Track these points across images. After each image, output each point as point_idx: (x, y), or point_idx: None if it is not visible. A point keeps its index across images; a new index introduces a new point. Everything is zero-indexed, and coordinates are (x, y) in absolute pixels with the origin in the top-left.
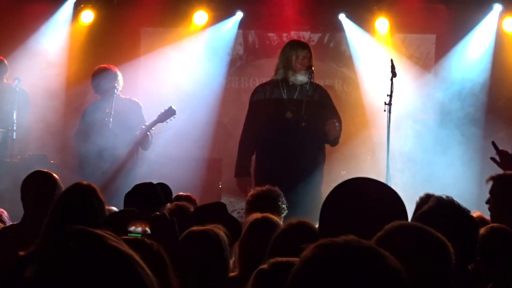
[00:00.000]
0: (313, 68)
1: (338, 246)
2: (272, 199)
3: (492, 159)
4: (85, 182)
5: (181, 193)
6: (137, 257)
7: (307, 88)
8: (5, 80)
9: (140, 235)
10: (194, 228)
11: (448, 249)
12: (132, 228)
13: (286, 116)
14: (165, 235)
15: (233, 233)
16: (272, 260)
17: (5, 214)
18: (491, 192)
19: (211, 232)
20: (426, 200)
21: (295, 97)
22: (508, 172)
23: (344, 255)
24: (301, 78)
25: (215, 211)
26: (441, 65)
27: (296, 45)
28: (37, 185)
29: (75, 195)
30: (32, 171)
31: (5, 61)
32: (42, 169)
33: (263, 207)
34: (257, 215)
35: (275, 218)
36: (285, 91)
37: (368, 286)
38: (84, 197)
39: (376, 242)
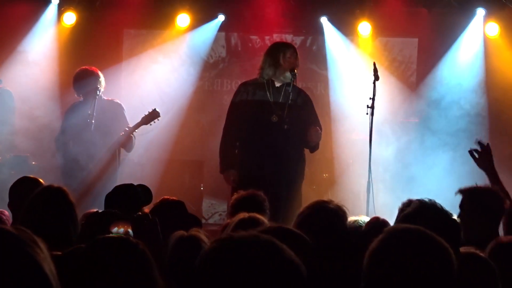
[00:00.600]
0: (296, 70)
1: (236, 239)
2: (256, 203)
3: (470, 152)
4: (55, 185)
5: (167, 197)
6: (46, 268)
7: (290, 91)
8: None
9: (122, 236)
10: (180, 233)
11: (450, 254)
12: (114, 229)
13: (271, 119)
14: (147, 236)
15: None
16: None
17: (5, 214)
18: (460, 206)
19: (200, 238)
20: (408, 205)
21: (280, 100)
22: (477, 185)
23: (241, 248)
24: (288, 76)
25: (176, 208)
26: (423, 69)
27: (282, 44)
28: (25, 191)
29: (45, 197)
30: (13, 172)
31: None
32: (29, 175)
33: (247, 211)
34: (243, 215)
35: (261, 217)
36: (271, 93)
37: (265, 278)
38: (53, 200)
39: (378, 244)
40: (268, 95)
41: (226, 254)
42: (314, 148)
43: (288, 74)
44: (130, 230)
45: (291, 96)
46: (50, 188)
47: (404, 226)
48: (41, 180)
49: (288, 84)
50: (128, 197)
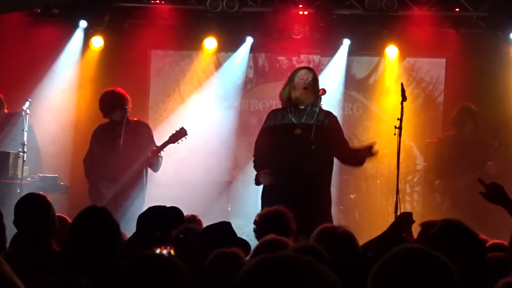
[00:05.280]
0: (321, 92)
1: (276, 259)
2: (280, 219)
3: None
4: (99, 206)
5: (186, 214)
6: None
7: (317, 112)
8: (6, 111)
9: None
10: (223, 250)
11: (452, 272)
12: (157, 252)
13: (295, 132)
14: (189, 257)
15: (245, 252)
16: None
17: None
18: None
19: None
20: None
21: (303, 121)
22: None
23: (282, 267)
24: (301, 97)
25: (222, 231)
26: (451, 90)
27: (298, 68)
28: (30, 208)
29: (91, 218)
30: (42, 192)
31: (0, 95)
32: (35, 192)
33: (271, 227)
34: (270, 236)
35: (284, 239)
36: (293, 115)
37: None
38: (99, 220)
39: (380, 266)
40: (292, 117)
41: (266, 273)
42: (360, 163)
43: (301, 95)
44: (172, 252)
45: (318, 117)
46: (95, 208)
47: (405, 246)
48: (47, 198)
49: (314, 106)
50: (161, 219)
